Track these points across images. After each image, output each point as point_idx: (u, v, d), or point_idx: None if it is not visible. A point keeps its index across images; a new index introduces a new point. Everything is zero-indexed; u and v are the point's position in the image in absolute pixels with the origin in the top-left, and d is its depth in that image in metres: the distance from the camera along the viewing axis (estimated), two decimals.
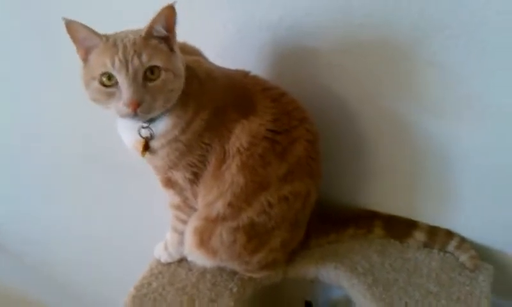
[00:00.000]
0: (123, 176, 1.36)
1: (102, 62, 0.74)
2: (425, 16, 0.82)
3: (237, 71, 0.91)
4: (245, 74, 0.91)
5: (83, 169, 1.41)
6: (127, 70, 0.73)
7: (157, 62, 0.75)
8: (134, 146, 0.85)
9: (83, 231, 1.61)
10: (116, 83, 0.74)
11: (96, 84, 0.75)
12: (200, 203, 0.92)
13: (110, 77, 0.74)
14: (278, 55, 0.97)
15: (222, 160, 0.86)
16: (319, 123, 0.93)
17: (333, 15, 0.88)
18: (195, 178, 0.88)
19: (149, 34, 0.75)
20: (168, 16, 0.74)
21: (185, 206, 0.94)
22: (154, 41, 0.76)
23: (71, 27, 0.73)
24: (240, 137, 0.84)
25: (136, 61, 0.73)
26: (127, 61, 0.73)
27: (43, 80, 1.26)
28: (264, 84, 0.90)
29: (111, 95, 0.75)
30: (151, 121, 0.82)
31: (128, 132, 0.85)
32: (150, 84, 0.75)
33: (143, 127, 0.82)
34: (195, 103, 0.82)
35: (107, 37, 0.75)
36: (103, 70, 0.74)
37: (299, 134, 0.88)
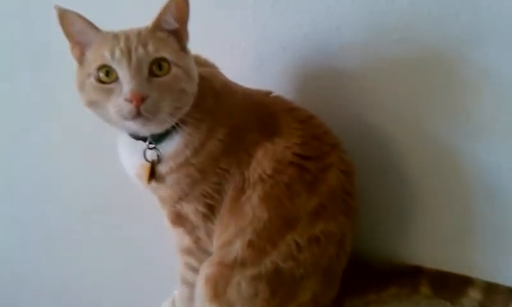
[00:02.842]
0: (122, 222, 1.21)
1: (100, 55, 0.64)
2: (475, 26, 0.73)
3: (258, 90, 0.81)
4: (267, 93, 0.81)
5: (80, 222, 1.28)
6: (130, 61, 0.63)
7: (165, 54, 0.66)
8: (137, 172, 0.74)
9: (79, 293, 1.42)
10: (117, 79, 0.64)
11: (92, 81, 0.65)
12: (214, 244, 0.77)
13: (109, 71, 0.64)
14: (302, 79, 0.88)
15: (241, 189, 0.73)
16: (350, 157, 0.81)
17: (366, 30, 0.80)
18: (210, 212, 0.75)
19: (157, 25, 0.67)
20: (180, 6, 0.67)
21: (198, 250, 0.79)
22: (163, 34, 0.68)
23: (65, 17, 0.65)
24: (262, 162, 0.72)
25: (141, 51, 0.64)
26: (129, 51, 0.64)
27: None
28: (290, 104, 0.80)
29: (109, 92, 0.64)
30: (158, 140, 0.71)
31: (131, 154, 0.74)
32: (157, 80, 0.65)
33: (149, 148, 0.71)
34: (210, 120, 0.72)
35: (107, 32, 0.67)
36: (100, 62, 0.64)
37: (331, 161, 0.76)
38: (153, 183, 0.73)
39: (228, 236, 0.73)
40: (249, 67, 0.90)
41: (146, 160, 0.72)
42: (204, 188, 0.73)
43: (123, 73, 0.63)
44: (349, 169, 0.78)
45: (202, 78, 0.72)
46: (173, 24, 0.68)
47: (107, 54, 0.64)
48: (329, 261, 0.75)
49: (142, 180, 0.73)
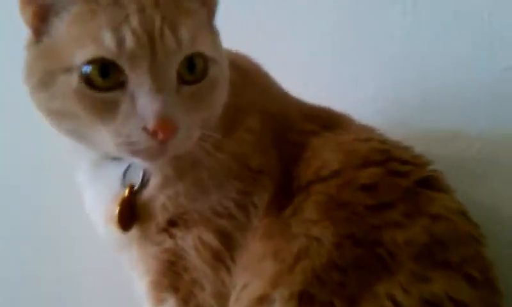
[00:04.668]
0: None
1: (90, 35, 0.38)
2: None
3: None
4: None
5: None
6: (153, 56, 0.38)
7: (203, 46, 0.42)
8: (109, 214, 0.48)
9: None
10: (123, 85, 0.39)
11: (72, 80, 0.39)
12: None
13: (108, 69, 0.38)
14: None
15: (284, 197, 0.47)
16: None
17: None
18: (224, 246, 0.47)
19: None
20: None
21: None
22: (193, 5, 0.43)
23: None
24: (322, 152, 0.48)
25: (170, 39, 0.39)
26: (150, 36, 0.38)
27: None
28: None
29: (107, 107, 0.39)
30: None
31: (101, 186, 0.50)
32: (188, 90, 0.42)
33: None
34: (234, 104, 0.48)
35: None
36: (95, 53, 0.38)
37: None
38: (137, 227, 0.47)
39: (259, 288, 0.44)
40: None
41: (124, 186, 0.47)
42: (219, 200, 0.46)
43: (139, 78, 0.38)
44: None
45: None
46: None
47: (107, 37, 0.37)
48: None
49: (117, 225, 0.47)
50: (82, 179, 0.51)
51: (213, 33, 0.46)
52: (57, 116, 0.41)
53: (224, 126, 0.46)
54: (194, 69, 0.41)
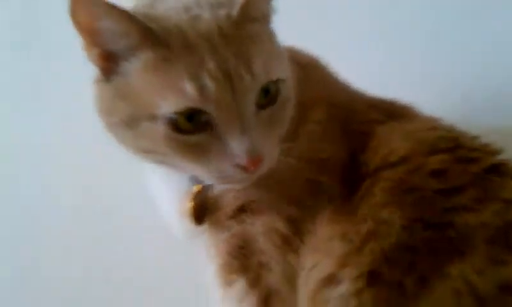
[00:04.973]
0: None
1: (172, 86, 0.38)
2: None
3: None
4: None
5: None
6: (234, 97, 0.39)
7: (273, 73, 0.42)
8: (182, 209, 0.50)
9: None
10: (210, 127, 0.40)
11: (159, 128, 0.40)
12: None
13: (193, 114, 0.39)
14: None
15: (352, 183, 0.48)
16: None
17: None
18: (294, 232, 0.48)
19: (245, 11, 0.41)
20: None
21: None
22: (256, 27, 0.42)
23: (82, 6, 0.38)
24: (389, 139, 0.49)
25: (246, 76, 0.39)
26: (228, 76, 0.38)
27: None
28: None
29: (197, 149, 0.41)
30: None
31: (174, 183, 0.51)
32: (265, 114, 0.43)
33: None
34: (300, 102, 0.48)
35: (161, 31, 0.39)
36: (180, 104, 0.38)
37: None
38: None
39: (327, 268, 0.45)
40: None
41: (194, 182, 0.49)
42: (291, 191, 0.47)
43: (225, 119, 0.39)
44: None
45: None
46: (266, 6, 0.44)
47: (189, 87, 0.38)
48: None
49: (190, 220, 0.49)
50: (152, 178, 0.53)
51: (277, 47, 0.46)
52: (145, 153, 0.43)
53: (293, 127, 0.47)
54: (268, 93, 0.42)
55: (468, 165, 0.47)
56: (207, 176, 0.42)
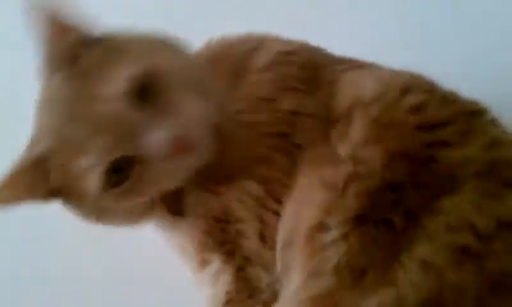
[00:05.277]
0: None
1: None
2: None
3: None
4: None
5: None
6: None
7: None
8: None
9: None
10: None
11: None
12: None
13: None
14: None
15: (327, 129, 0.46)
16: None
17: None
18: (270, 194, 0.47)
19: None
20: None
21: (242, 289, 0.47)
22: None
23: None
24: (358, 81, 0.48)
25: None
26: None
27: None
28: None
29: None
30: None
31: None
32: None
33: None
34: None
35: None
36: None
37: None
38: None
39: (312, 218, 0.43)
40: None
41: None
42: (257, 151, 0.46)
43: None
44: None
45: None
46: None
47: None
48: None
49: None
50: None
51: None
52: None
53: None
54: None
55: (448, 103, 0.45)
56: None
